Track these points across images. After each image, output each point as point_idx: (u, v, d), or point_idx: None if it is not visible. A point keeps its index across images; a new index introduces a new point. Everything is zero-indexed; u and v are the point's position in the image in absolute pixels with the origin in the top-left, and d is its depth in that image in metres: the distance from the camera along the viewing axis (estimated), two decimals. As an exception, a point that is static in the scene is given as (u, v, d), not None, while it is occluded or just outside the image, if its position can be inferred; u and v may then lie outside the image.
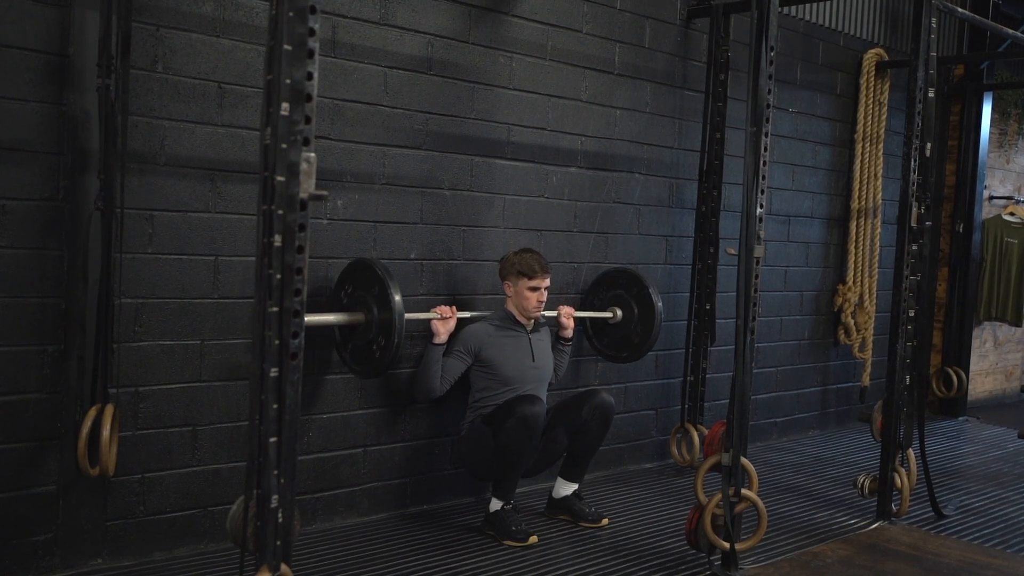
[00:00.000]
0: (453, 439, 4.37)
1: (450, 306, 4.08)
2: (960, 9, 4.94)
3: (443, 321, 4.02)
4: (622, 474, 5.12)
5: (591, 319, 4.78)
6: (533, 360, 4.16)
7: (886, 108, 6.46)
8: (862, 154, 6.40)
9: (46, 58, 3.20)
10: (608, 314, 4.72)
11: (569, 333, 4.46)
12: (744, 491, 3.64)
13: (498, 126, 4.44)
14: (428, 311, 4.04)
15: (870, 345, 6.49)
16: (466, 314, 4.15)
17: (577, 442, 4.18)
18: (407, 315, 3.69)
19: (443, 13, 4.22)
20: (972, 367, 7.76)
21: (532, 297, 4.10)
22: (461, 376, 4.11)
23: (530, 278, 4.08)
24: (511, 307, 4.18)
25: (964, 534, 4.36)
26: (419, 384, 4.07)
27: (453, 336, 4.08)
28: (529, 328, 4.20)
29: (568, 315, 4.44)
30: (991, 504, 4.91)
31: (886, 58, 6.43)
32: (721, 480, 3.64)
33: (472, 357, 4.10)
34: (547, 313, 4.34)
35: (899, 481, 4.39)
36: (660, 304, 4.61)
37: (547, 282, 4.13)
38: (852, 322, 6.42)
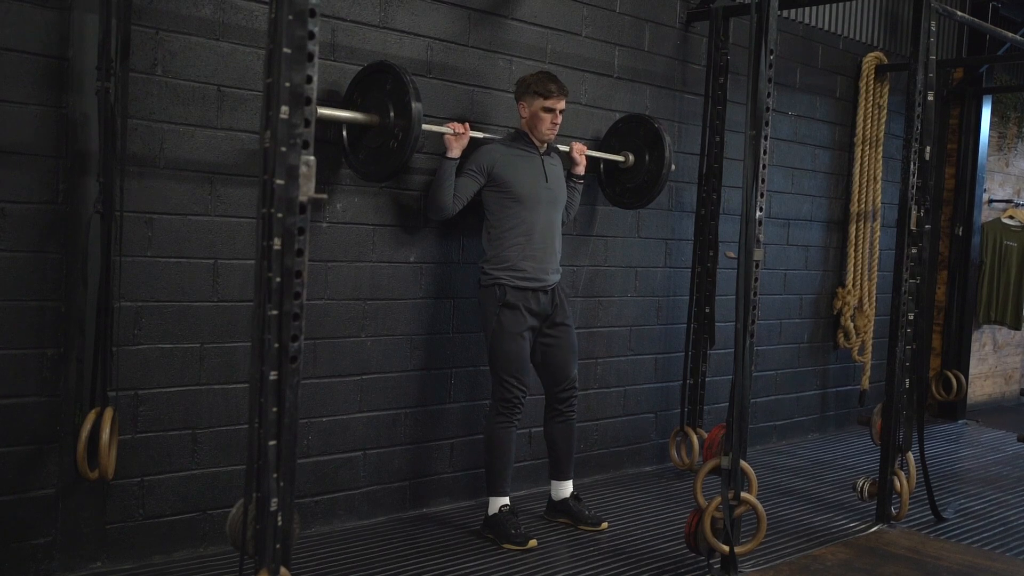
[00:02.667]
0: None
1: (463, 122, 4.05)
2: (959, 13, 4.94)
3: (456, 136, 3.99)
4: (621, 477, 5.12)
5: (604, 163, 4.80)
6: (547, 180, 4.12)
7: (885, 111, 6.47)
8: (861, 157, 6.40)
9: (45, 61, 3.20)
10: (620, 158, 4.75)
11: (581, 170, 4.46)
12: (743, 494, 3.64)
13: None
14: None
15: (869, 348, 6.49)
16: (478, 134, 4.11)
17: (548, 434, 4.22)
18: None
19: (442, 16, 4.23)
20: (971, 370, 7.76)
21: (547, 118, 4.07)
22: (474, 196, 4.07)
23: (545, 98, 4.04)
24: (524, 128, 4.15)
25: (963, 537, 4.35)
26: (432, 201, 4.03)
27: (465, 155, 4.05)
28: (542, 150, 4.17)
29: (581, 151, 4.44)
30: (990, 507, 4.91)
31: (885, 61, 6.44)
32: (720, 483, 3.64)
33: (485, 176, 4.06)
34: (560, 147, 4.34)
35: (898, 484, 4.39)
36: (670, 151, 4.66)
37: (562, 104, 4.08)
38: (851, 325, 6.42)
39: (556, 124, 4.09)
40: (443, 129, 3.99)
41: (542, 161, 4.14)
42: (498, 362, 3.98)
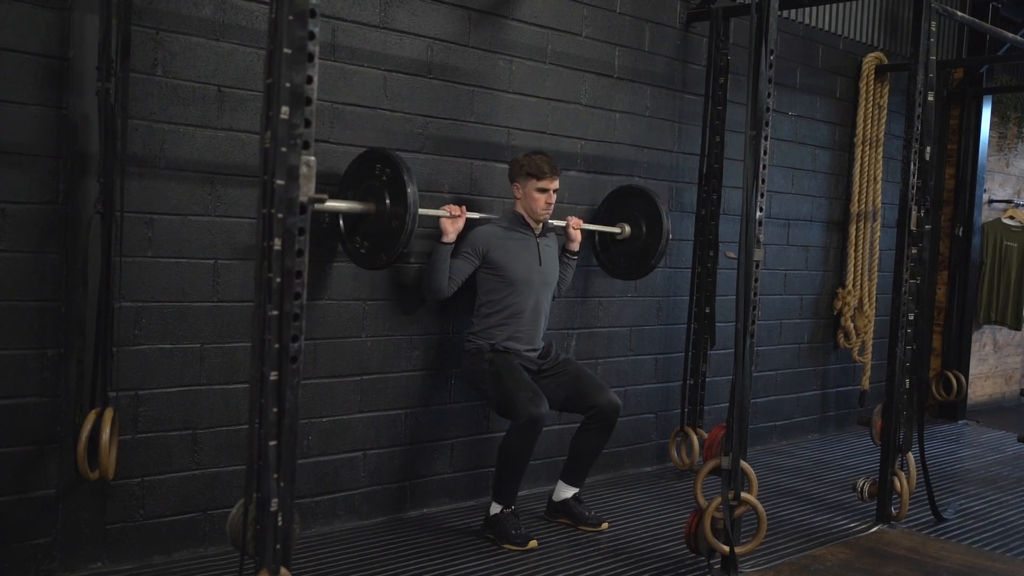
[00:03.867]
0: (458, 361, 4.37)
1: (459, 205, 4.06)
2: (959, 13, 4.94)
3: (452, 220, 4.00)
4: (622, 478, 5.12)
5: (599, 235, 4.79)
6: (540, 264, 4.15)
7: (886, 112, 6.47)
8: (862, 158, 6.40)
9: (46, 61, 3.20)
10: (616, 229, 4.73)
11: (576, 246, 4.46)
12: (744, 495, 3.64)
13: (498, 129, 4.44)
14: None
15: (869, 349, 6.49)
16: (474, 215, 4.13)
17: (578, 443, 4.18)
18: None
19: (443, 16, 4.23)
20: (972, 371, 7.76)
21: (540, 199, 4.09)
22: (468, 277, 4.10)
23: (539, 179, 4.07)
24: (520, 209, 4.17)
25: (964, 538, 4.35)
26: (427, 284, 4.06)
27: (461, 237, 4.07)
28: (537, 232, 4.19)
29: (576, 226, 4.44)
30: (990, 508, 4.91)
31: (885, 62, 6.44)
32: (721, 484, 3.64)
33: (480, 258, 4.08)
34: (556, 222, 4.34)
35: (899, 485, 4.39)
36: (668, 222, 4.63)
37: (556, 184, 4.11)
38: (852, 326, 6.42)
39: (550, 204, 4.13)
40: (440, 213, 4.00)
41: (537, 244, 4.17)
42: (504, 392, 3.93)
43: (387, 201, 3.67)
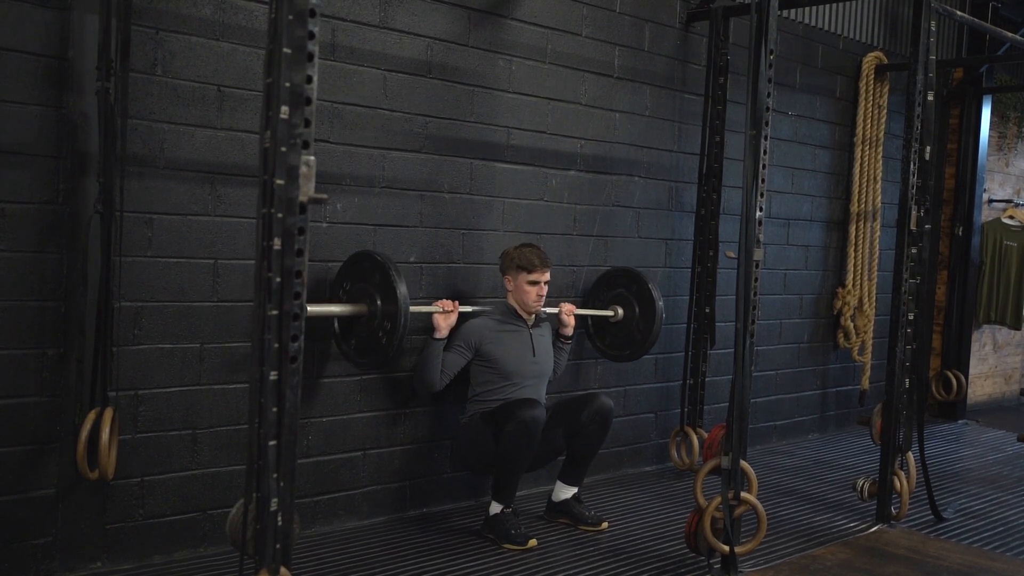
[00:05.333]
0: (453, 436, 4.37)
1: (452, 300, 4.07)
2: (959, 13, 4.94)
3: (444, 315, 4.02)
4: (621, 477, 5.12)
5: (593, 318, 4.79)
6: (534, 355, 4.17)
7: (885, 111, 6.47)
8: (861, 157, 6.40)
9: (45, 61, 3.20)
10: (609, 312, 4.72)
11: (569, 331, 4.46)
12: (743, 494, 3.64)
13: (498, 129, 4.44)
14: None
15: (869, 348, 6.49)
16: (467, 308, 4.14)
17: (575, 445, 4.19)
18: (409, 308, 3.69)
19: (442, 16, 4.23)
20: (971, 370, 7.76)
21: (532, 291, 4.10)
22: (461, 370, 4.11)
23: (529, 272, 4.08)
24: (512, 301, 4.19)
25: (963, 537, 4.35)
26: (419, 378, 4.07)
27: (454, 330, 4.08)
28: (530, 323, 4.20)
29: (569, 312, 4.44)
30: (990, 507, 4.91)
31: (885, 61, 6.44)
32: (720, 483, 3.64)
33: (472, 352, 4.10)
34: (549, 310, 4.35)
35: (898, 484, 4.39)
36: (661, 303, 4.62)
37: (547, 276, 4.13)
38: (851, 325, 6.42)
39: (542, 296, 4.14)
40: (432, 309, 4.01)
41: (530, 335, 4.18)
42: (500, 412, 3.92)
43: (378, 302, 3.69)
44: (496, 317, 4.18)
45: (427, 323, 4.09)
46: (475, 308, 4.20)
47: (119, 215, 3.26)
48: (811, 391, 6.43)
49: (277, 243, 2.33)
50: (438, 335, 4.01)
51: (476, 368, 4.12)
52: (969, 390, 7.62)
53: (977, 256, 7.42)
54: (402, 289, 3.62)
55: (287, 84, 2.32)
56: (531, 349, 4.16)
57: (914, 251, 4.32)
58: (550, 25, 4.64)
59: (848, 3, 6.19)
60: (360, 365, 3.90)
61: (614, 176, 5.00)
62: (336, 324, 3.90)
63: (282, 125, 2.32)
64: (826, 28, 6.17)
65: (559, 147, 4.71)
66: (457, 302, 4.08)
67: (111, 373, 3.30)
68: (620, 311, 4.71)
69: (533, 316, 4.21)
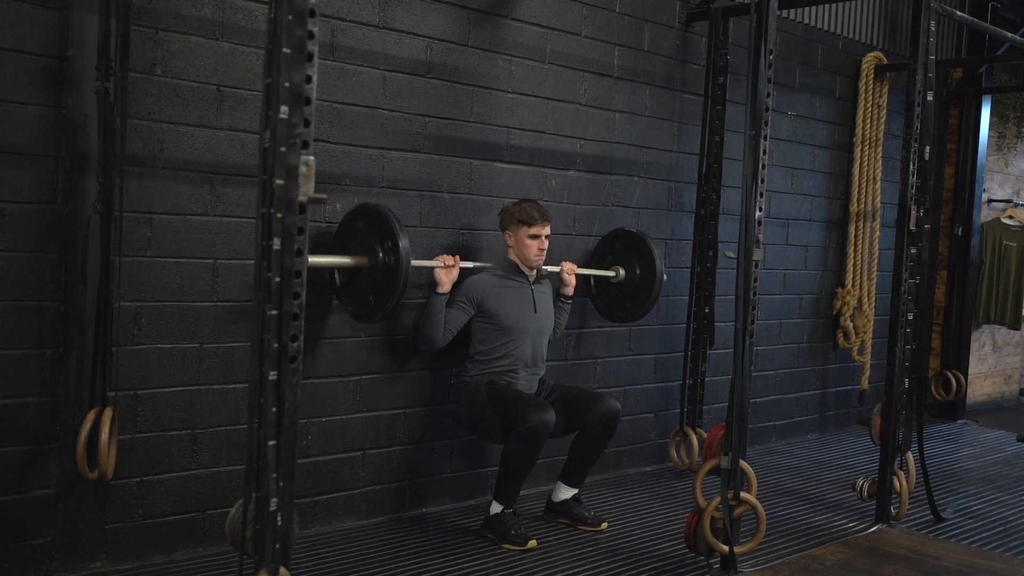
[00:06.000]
0: (457, 399, 4.37)
1: (453, 255, 4.07)
2: (959, 13, 4.95)
3: (446, 270, 4.01)
4: (621, 477, 5.12)
5: (595, 279, 4.80)
6: (535, 311, 4.16)
7: (885, 111, 6.47)
8: (861, 157, 6.40)
9: (45, 61, 3.20)
10: (611, 273, 4.73)
11: (570, 291, 4.47)
12: (743, 494, 3.64)
13: (497, 129, 4.44)
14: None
15: (869, 348, 6.49)
16: (468, 264, 4.14)
17: (578, 446, 4.18)
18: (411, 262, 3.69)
19: (442, 16, 4.23)
20: (971, 370, 7.76)
21: (533, 245, 4.10)
22: (463, 327, 4.11)
23: (530, 226, 4.08)
24: (513, 257, 4.18)
25: (963, 537, 4.36)
26: (421, 335, 4.07)
27: (455, 287, 4.07)
28: (531, 279, 4.20)
29: (571, 271, 4.45)
30: (990, 507, 4.91)
31: (885, 62, 6.44)
32: (720, 483, 3.64)
33: (474, 308, 4.09)
34: (550, 268, 4.35)
35: (898, 484, 4.39)
36: (662, 265, 4.64)
37: (547, 230, 4.12)
38: (851, 325, 6.42)
39: (543, 250, 4.14)
40: (433, 263, 4.01)
41: (532, 291, 4.18)
42: (510, 407, 3.91)
43: (380, 254, 3.68)
44: (497, 273, 4.17)
45: (429, 279, 4.07)
46: (476, 264, 4.19)
47: (118, 215, 3.26)
48: (810, 391, 6.43)
49: (276, 243, 2.33)
50: (440, 290, 4.00)
51: (477, 324, 4.12)
52: (968, 390, 7.62)
53: (976, 256, 7.42)
54: (404, 242, 3.60)
55: (286, 84, 2.32)
56: (532, 305, 4.15)
57: (913, 251, 4.32)
58: (550, 25, 4.64)
59: (848, 3, 6.19)
60: (360, 319, 3.87)
61: (613, 176, 5.00)
62: (337, 277, 3.87)
63: (282, 125, 2.32)
64: (826, 28, 6.18)
65: (559, 147, 4.71)
66: (458, 257, 4.07)
67: (110, 373, 3.30)
68: (622, 272, 4.72)
69: (534, 272, 4.21)
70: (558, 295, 4.46)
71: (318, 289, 3.87)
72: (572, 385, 4.34)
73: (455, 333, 4.09)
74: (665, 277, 4.70)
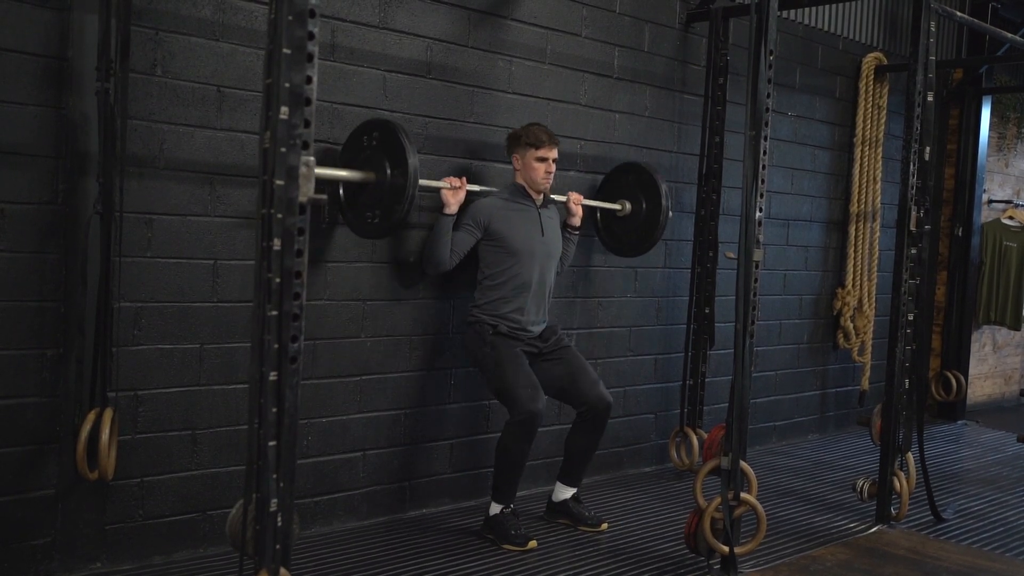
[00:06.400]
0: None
1: (460, 177, 4.06)
2: (959, 13, 4.94)
3: (453, 191, 4.00)
4: (621, 478, 5.12)
5: (601, 212, 4.81)
6: (543, 234, 4.15)
7: (885, 112, 6.47)
8: (861, 158, 6.40)
9: (45, 62, 3.20)
10: (617, 206, 4.74)
11: (577, 221, 4.47)
12: (743, 495, 3.64)
13: (497, 130, 4.44)
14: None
15: (869, 349, 6.49)
16: (475, 188, 4.13)
17: (572, 442, 4.19)
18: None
19: (442, 17, 4.23)
20: (971, 371, 7.76)
21: (540, 168, 4.09)
22: (470, 251, 4.10)
23: (537, 148, 4.07)
24: (520, 180, 4.17)
25: (963, 538, 4.35)
26: (428, 257, 4.06)
27: (462, 210, 4.07)
28: (538, 203, 4.19)
29: (577, 201, 4.45)
30: (990, 508, 4.91)
31: (885, 62, 6.44)
32: (720, 484, 3.64)
33: (481, 230, 4.08)
34: (556, 197, 4.36)
35: (898, 485, 4.39)
36: (668, 200, 4.66)
37: (555, 153, 4.12)
38: (851, 326, 6.42)
39: (550, 173, 4.13)
40: (440, 184, 4.00)
41: (539, 215, 4.17)
42: (505, 383, 3.92)
43: (387, 170, 3.66)
44: (504, 196, 4.17)
45: (435, 202, 4.06)
46: (483, 188, 4.18)
47: (119, 215, 3.26)
48: (811, 392, 6.43)
49: (277, 243, 2.33)
50: (447, 211, 3.99)
51: (484, 248, 4.10)
52: (969, 390, 7.62)
53: (977, 256, 7.42)
54: (413, 159, 3.59)
55: (287, 84, 2.32)
56: (540, 228, 4.14)
57: (914, 252, 4.32)
58: (550, 26, 4.64)
59: (848, 4, 6.20)
60: (365, 235, 3.85)
61: (614, 176, 4.99)
62: (342, 190, 3.85)
63: (282, 125, 2.32)
64: (826, 29, 6.18)
65: (559, 147, 4.70)
66: (465, 178, 4.06)
67: (111, 373, 3.30)
68: (628, 205, 4.73)
69: (541, 196, 4.20)
70: (565, 226, 4.45)
71: (323, 233, 3.85)
72: (581, 361, 4.22)
73: (462, 256, 4.07)
74: (671, 214, 4.71)
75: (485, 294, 4.10)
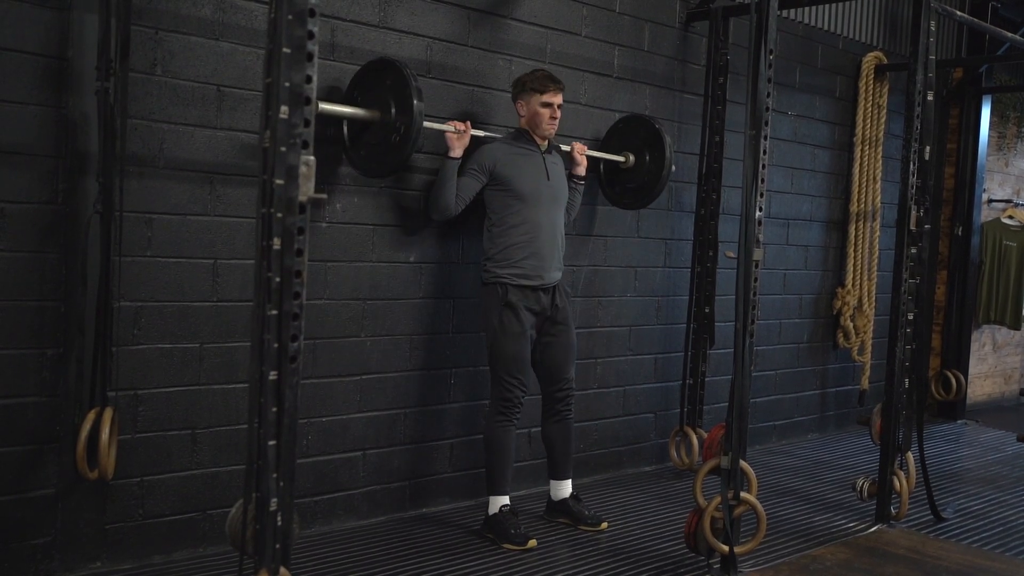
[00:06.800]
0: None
1: (464, 121, 4.06)
2: (959, 13, 4.94)
3: (458, 135, 4.00)
4: (621, 477, 5.12)
5: (604, 165, 4.82)
6: (548, 178, 4.14)
7: (885, 111, 6.47)
8: (861, 157, 6.40)
9: (45, 61, 3.20)
10: (621, 158, 4.75)
11: (582, 170, 4.47)
12: (743, 494, 3.64)
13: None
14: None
15: (869, 348, 6.49)
16: (480, 132, 4.13)
17: (545, 434, 4.23)
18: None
19: (442, 16, 4.23)
20: (971, 370, 7.76)
21: (545, 113, 4.09)
22: (476, 196, 4.08)
23: (542, 93, 4.06)
24: (524, 126, 4.17)
25: (963, 537, 4.36)
26: (434, 202, 4.04)
27: (467, 155, 4.06)
28: (543, 148, 4.18)
29: (581, 151, 4.46)
30: (990, 507, 4.91)
31: (885, 61, 6.44)
32: (720, 483, 3.64)
33: (487, 175, 4.07)
34: (562, 148, 4.36)
35: (898, 484, 4.39)
36: (671, 150, 4.67)
37: (559, 99, 4.11)
38: (851, 325, 6.42)
39: (555, 119, 4.12)
40: (445, 127, 3.99)
41: (544, 159, 4.15)
42: (499, 362, 3.98)
43: (392, 109, 3.67)
44: (508, 141, 4.16)
45: (440, 145, 4.06)
46: (487, 133, 4.18)
47: (119, 215, 3.26)
48: (810, 391, 6.43)
49: (277, 243, 2.33)
50: (452, 154, 3.99)
51: (491, 194, 4.09)
52: (968, 390, 7.62)
53: (976, 256, 7.42)
54: (418, 100, 3.60)
55: (287, 84, 2.32)
56: (545, 172, 4.13)
57: (914, 251, 4.32)
58: (550, 25, 4.64)
59: (848, 3, 6.20)
60: (368, 173, 3.86)
61: (614, 176, 4.99)
62: (346, 129, 3.86)
63: (282, 125, 2.32)
64: (826, 28, 6.17)
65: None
66: (469, 123, 4.06)
67: (110, 373, 3.30)
68: (632, 158, 4.74)
69: (546, 142, 4.19)
70: (570, 176, 4.44)
71: (327, 140, 3.84)
72: (570, 346, 4.20)
73: (467, 201, 4.06)
74: (675, 167, 4.71)
75: (495, 243, 4.07)
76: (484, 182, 4.07)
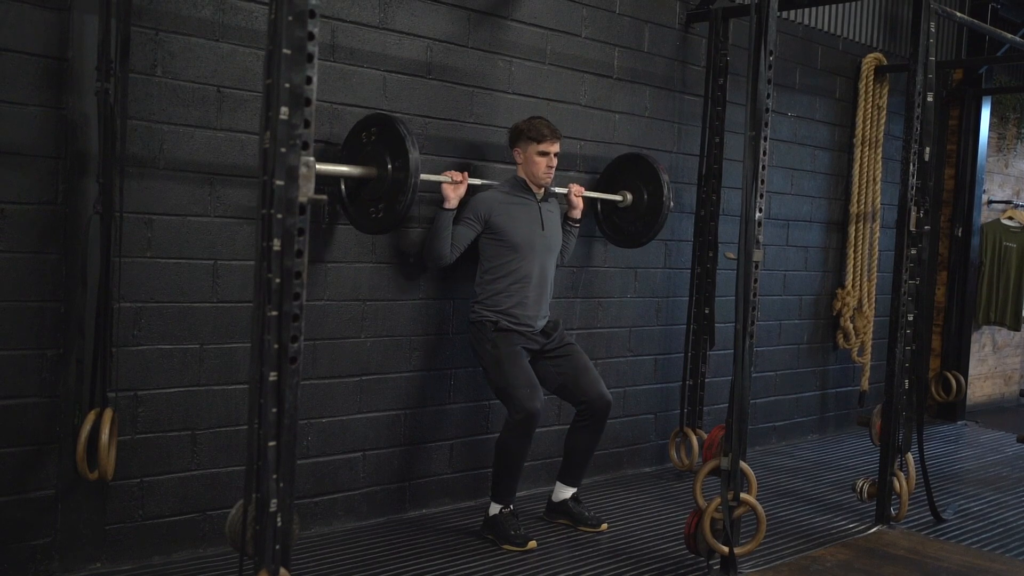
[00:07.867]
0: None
1: (462, 171, 4.06)
2: (959, 14, 4.95)
3: (454, 185, 4.00)
4: (621, 478, 5.12)
5: (601, 203, 4.81)
6: (543, 228, 4.15)
7: (885, 112, 6.47)
8: (861, 158, 6.40)
9: (45, 62, 3.20)
10: (618, 197, 4.74)
11: (578, 213, 4.47)
12: (743, 495, 3.64)
13: (497, 130, 4.44)
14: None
15: (869, 349, 6.49)
16: (476, 181, 4.13)
17: (571, 441, 4.19)
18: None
19: (442, 17, 4.23)
20: (971, 371, 7.76)
21: (542, 162, 4.09)
22: (471, 244, 4.09)
23: (539, 142, 4.07)
24: (521, 174, 4.18)
25: (963, 538, 4.36)
26: (429, 251, 4.06)
27: (463, 203, 4.07)
28: (539, 197, 4.19)
29: (578, 193, 4.45)
30: (990, 508, 4.91)
31: (885, 62, 6.44)
32: (720, 484, 3.64)
33: (482, 224, 4.08)
34: (558, 190, 4.36)
35: (898, 485, 4.39)
36: (669, 189, 4.65)
37: (557, 147, 4.12)
38: (851, 326, 6.42)
39: (552, 168, 4.13)
40: (441, 178, 4.00)
41: (539, 208, 4.17)
42: (505, 381, 3.93)
43: (389, 164, 3.67)
44: (505, 190, 4.17)
45: (436, 193, 4.06)
46: (484, 182, 4.18)
47: (119, 216, 3.26)
48: (810, 392, 6.43)
49: (277, 244, 2.33)
50: (447, 205, 4.00)
51: (485, 242, 4.10)
52: (968, 391, 7.62)
53: (976, 257, 7.42)
54: (414, 154, 3.60)
55: (287, 85, 2.32)
56: (540, 222, 4.14)
57: (913, 252, 4.32)
58: (550, 26, 4.64)
59: (848, 4, 6.20)
60: (367, 230, 3.87)
61: (614, 177, 4.99)
62: (343, 186, 3.86)
63: (282, 126, 2.32)
64: (825, 29, 6.18)
65: (560, 142, 4.70)
66: (466, 173, 4.07)
67: (110, 374, 3.30)
68: (629, 196, 4.73)
69: (542, 190, 4.20)
70: (566, 219, 4.45)
71: (322, 234, 3.84)
72: (584, 359, 4.22)
73: (462, 250, 4.07)
74: (672, 204, 4.70)
75: (485, 289, 4.10)
76: (479, 231, 4.09)
